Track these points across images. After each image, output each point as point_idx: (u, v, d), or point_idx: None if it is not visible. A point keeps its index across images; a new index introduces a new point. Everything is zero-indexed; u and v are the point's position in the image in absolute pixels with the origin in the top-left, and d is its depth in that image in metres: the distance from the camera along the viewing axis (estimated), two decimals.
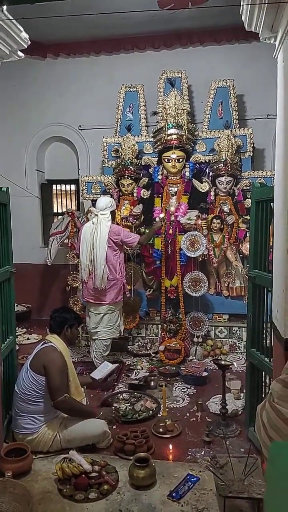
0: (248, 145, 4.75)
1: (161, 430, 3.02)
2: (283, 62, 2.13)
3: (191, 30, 5.24)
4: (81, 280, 4.16)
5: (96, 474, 2.38)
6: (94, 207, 4.15)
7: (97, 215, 3.97)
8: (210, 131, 4.82)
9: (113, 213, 4.06)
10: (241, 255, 4.64)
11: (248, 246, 3.28)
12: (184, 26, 5.14)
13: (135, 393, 3.61)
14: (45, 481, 2.43)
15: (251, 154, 4.82)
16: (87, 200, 5.16)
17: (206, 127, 4.90)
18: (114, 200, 4.58)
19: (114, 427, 3.06)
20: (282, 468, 0.91)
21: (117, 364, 3.82)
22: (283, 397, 1.41)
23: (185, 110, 4.64)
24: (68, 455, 2.47)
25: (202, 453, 2.75)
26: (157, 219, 4.53)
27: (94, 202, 5.01)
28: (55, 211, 6.33)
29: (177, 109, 4.57)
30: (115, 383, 3.85)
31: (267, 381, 2.67)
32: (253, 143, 4.81)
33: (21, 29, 2.60)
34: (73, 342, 3.19)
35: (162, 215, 4.50)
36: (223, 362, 3.14)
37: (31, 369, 2.70)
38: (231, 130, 4.68)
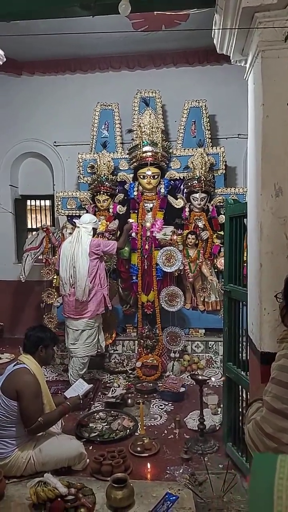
0: (221, 163, 4.88)
1: (138, 449, 2.97)
2: (253, 84, 2.21)
3: (164, 52, 5.40)
4: (62, 294, 4.08)
5: (72, 497, 2.29)
6: (75, 222, 4.16)
7: (79, 227, 3.98)
8: (184, 149, 4.93)
9: (94, 231, 4.06)
10: (216, 270, 4.71)
11: (222, 261, 3.33)
12: (158, 47, 5.28)
13: (112, 412, 3.55)
14: (19, 507, 2.31)
15: (224, 172, 4.95)
16: (62, 215, 5.13)
17: (180, 145, 5.01)
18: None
19: (91, 447, 2.98)
20: (263, 480, 0.91)
21: (92, 385, 3.74)
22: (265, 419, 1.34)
23: (159, 129, 4.74)
24: (43, 478, 2.38)
25: (181, 471, 2.71)
26: (129, 220, 4.55)
27: (69, 218, 5.01)
28: (29, 226, 6.24)
29: (152, 127, 4.66)
30: (91, 402, 3.77)
31: (244, 395, 2.69)
32: (226, 161, 4.95)
33: None
34: (47, 363, 3.09)
35: (131, 220, 4.54)
36: (200, 377, 3.14)
37: (3, 393, 2.59)
38: (204, 149, 4.80)
